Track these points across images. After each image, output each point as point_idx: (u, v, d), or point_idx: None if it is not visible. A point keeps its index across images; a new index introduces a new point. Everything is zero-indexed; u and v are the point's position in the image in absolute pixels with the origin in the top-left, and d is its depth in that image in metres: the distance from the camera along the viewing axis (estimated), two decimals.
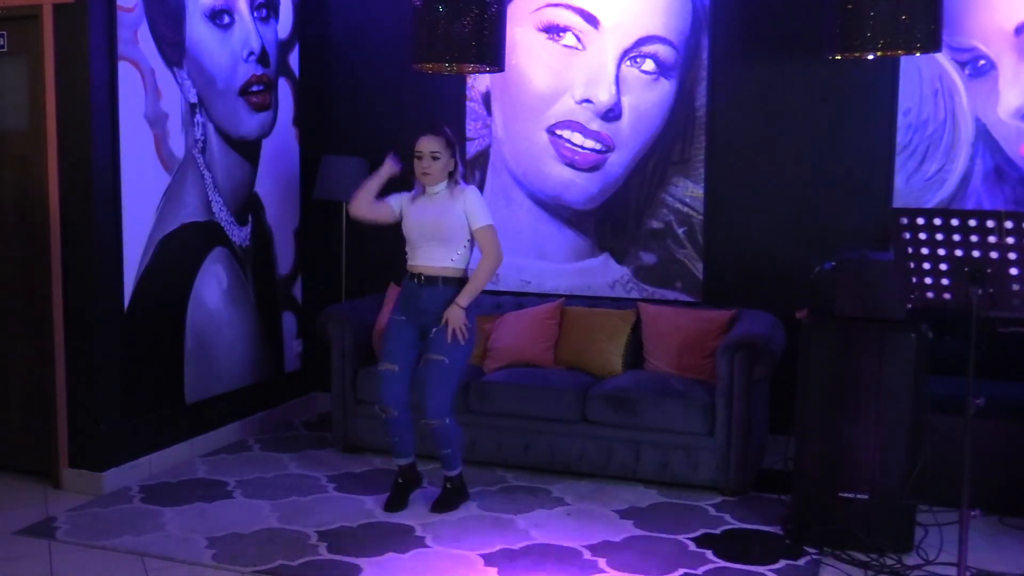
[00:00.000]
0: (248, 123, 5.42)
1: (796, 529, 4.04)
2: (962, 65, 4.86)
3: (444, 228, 4.26)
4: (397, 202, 4.41)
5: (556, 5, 5.46)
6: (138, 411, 4.74)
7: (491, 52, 4.64)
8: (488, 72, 4.97)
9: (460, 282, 4.32)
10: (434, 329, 4.29)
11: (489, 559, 3.85)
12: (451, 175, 4.31)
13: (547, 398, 4.80)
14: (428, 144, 4.26)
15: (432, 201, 4.31)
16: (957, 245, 3.22)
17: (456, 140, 4.36)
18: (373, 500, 4.50)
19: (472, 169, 5.67)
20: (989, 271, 3.19)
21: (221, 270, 5.25)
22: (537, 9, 5.49)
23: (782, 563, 3.84)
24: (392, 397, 4.32)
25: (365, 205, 4.41)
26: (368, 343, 5.25)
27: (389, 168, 4.42)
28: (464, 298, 4.26)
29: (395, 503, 4.40)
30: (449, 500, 4.41)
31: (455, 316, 4.22)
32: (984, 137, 4.85)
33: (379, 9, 5.85)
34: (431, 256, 4.30)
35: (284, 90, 5.71)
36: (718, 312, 5.06)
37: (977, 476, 3.43)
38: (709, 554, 3.93)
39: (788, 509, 4.23)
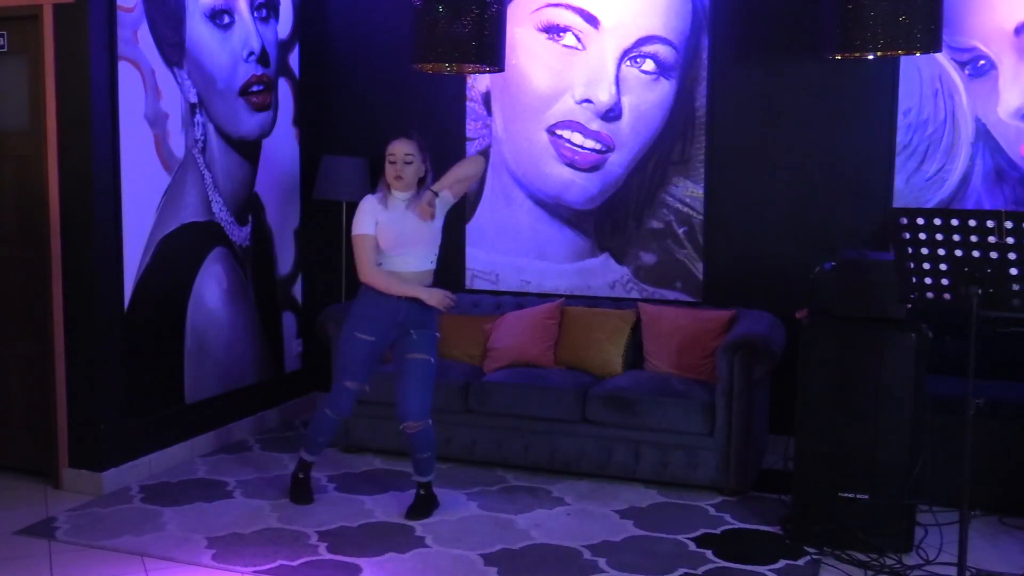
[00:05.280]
0: (248, 123, 5.41)
1: (796, 529, 4.04)
2: (962, 65, 4.86)
3: (428, 231, 4.23)
4: (372, 221, 4.20)
5: (556, 5, 5.45)
6: (138, 411, 4.74)
7: (491, 52, 4.64)
8: (488, 72, 4.98)
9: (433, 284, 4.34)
10: (413, 331, 4.25)
11: (489, 559, 3.85)
12: (422, 181, 4.26)
13: (547, 398, 4.79)
14: (401, 147, 4.21)
15: (408, 206, 4.23)
16: (957, 245, 3.22)
17: (427, 146, 4.28)
18: (373, 500, 4.50)
19: None
20: (989, 271, 3.19)
21: (221, 270, 5.25)
22: (537, 9, 5.49)
23: (782, 563, 3.84)
24: (348, 410, 4.39)
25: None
26: None
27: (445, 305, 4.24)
28: (442, 184, 4.24)
29: (305, 496, 4.45)
30: (425, 506, 4.32)
31: (428, 200, 4.18)
32: (984, 137, 4.85)
33: (379, 9, 5.85)
34: (410, 262, 4.22)
35: (284, 90, 5.71)
36: (718, 312, 5.06)
37: (977, 476, 3.43)
38: (709, 554, 3.93)
39: (788, 509, 4.23)
